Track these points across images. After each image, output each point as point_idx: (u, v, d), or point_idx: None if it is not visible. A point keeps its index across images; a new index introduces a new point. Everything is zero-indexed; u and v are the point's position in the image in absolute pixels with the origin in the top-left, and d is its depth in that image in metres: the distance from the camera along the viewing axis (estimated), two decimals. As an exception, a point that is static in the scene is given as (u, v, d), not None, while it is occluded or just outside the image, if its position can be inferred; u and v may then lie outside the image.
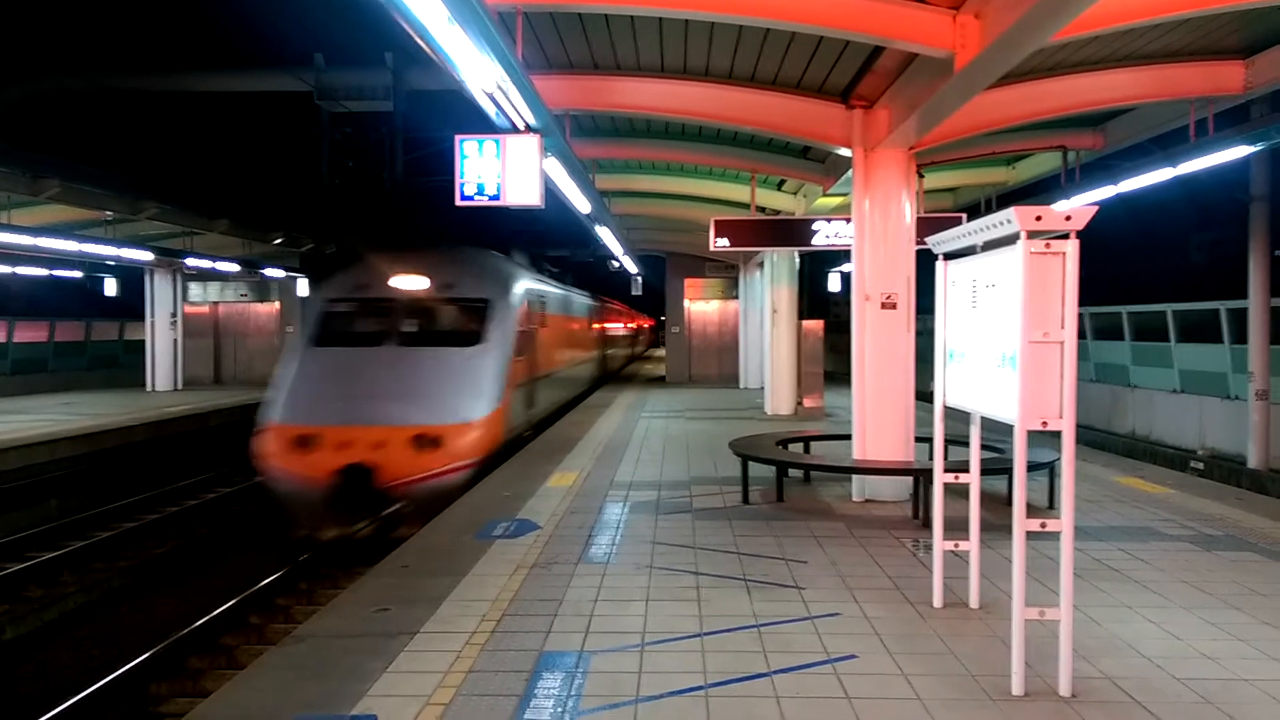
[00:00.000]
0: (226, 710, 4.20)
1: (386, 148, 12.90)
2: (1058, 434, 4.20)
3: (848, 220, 11.07)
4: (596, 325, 26.73)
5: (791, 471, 9.61)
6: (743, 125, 9.58)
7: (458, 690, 4.36)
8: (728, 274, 27.03)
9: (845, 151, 9.16)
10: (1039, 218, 4.07)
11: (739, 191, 14.63)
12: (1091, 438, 17.56)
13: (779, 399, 18.00)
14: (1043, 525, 4.34)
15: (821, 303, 31.58)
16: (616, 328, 36.01)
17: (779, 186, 15.19)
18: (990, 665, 4.62)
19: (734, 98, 9.27)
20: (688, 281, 27.88)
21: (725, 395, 22.24)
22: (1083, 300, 4.39)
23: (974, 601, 5.57)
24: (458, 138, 7.35)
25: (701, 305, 28.18)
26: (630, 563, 6.67)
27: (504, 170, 7.33)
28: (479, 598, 5.82)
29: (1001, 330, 4.47)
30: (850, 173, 9.15)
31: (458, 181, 7.35)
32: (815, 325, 18.45)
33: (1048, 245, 4.15)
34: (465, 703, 4.22)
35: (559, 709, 4.14)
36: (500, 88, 6.27)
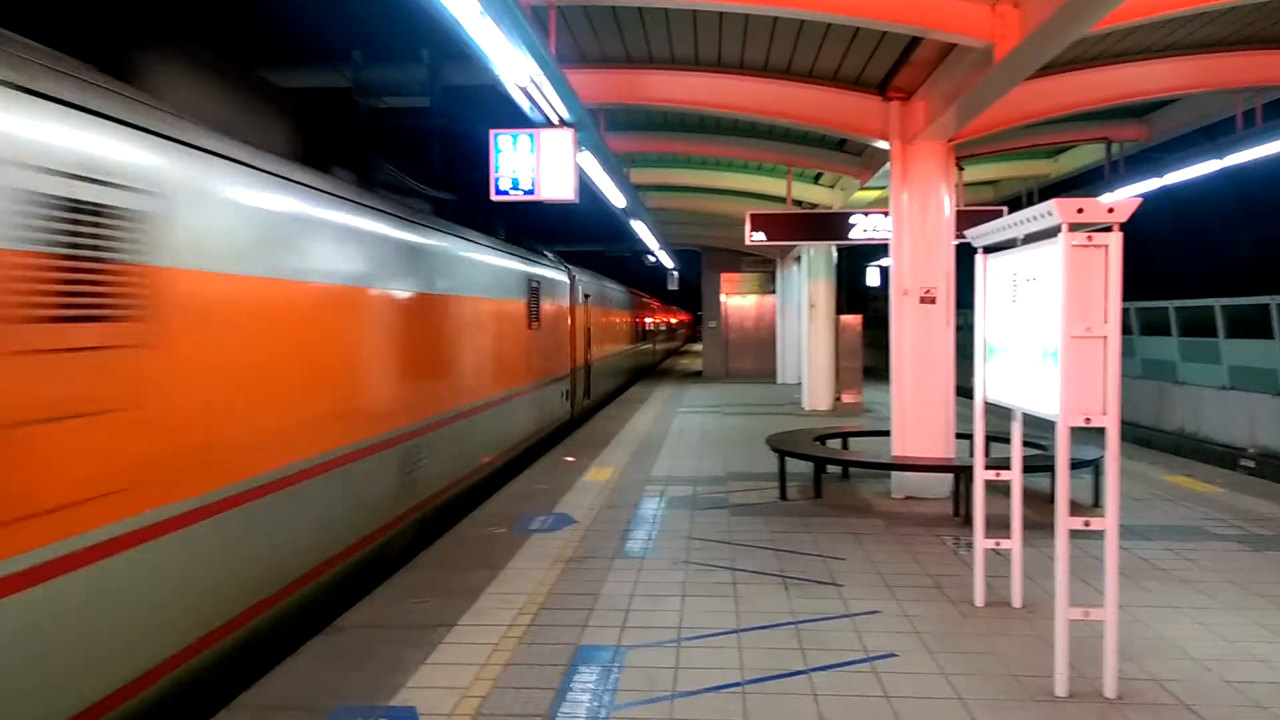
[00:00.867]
0: (266, 699, 4.26)
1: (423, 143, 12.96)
2: (1102, 430, 4.13)
3: (886, 214, 10.97)
4: (580, 318, 17.48)
5: (830, 468, 9.54)
6: (778, 118, 9.51)
7: (495, 683, 4.38)
8: (764, 268, 26.89)
9: (882, 144, 9.07)
10: (1081, 210, 4.00)
11: (775, 185, 14.54)
12: (1138, 434, 17.24)
13: (817, 394, 17.89)
14: (1086, 524, 4.27)
15: (860, 297, 31.33)
16: (622, 324, 25.88)
17: (815, 180, 15.07)
18: (1033, 665, 4.55)
19: (769, 90, 9.21)
20: (724, 276, 27.79)
21: (762, 390, 22.15)
22: (1128, 295, 4.31)
23: (1016, 601, 5.49)
24: (492, 132, 7.37)
25: (738, 300, 28.09)
26: (667, 558, 6.67)
27: (538, 164, 7.33)
28: (516, 591, 5.85)
29: (1043, 325, 4.40)
30: (888, 165, 9.07)
31: (492, 176, 7.37)
32: (853, 320, 18.32)
33: (1090, 238, 4.07)
34: (502, 695, 4.24)
35: (595, 703, 4.15)
36: (534, 82, 6.28)
